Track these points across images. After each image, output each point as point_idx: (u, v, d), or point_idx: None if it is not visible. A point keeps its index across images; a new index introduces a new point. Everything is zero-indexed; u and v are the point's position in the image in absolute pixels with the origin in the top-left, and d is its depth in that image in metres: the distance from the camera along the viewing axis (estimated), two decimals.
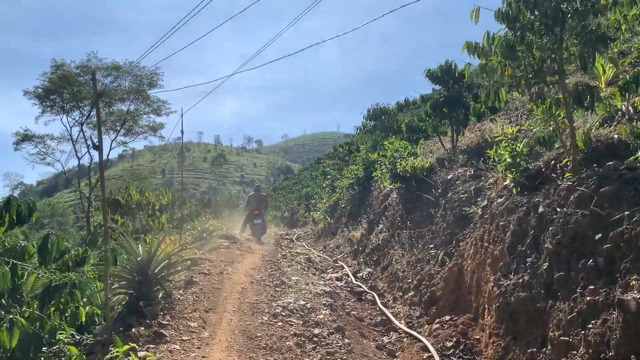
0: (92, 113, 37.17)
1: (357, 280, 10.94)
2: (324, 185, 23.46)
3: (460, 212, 8.62)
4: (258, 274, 10.12)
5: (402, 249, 10.43)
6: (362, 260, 12.78)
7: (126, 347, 4.93)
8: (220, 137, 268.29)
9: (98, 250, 9.61)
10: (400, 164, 11.51)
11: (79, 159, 37.56)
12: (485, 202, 7.81)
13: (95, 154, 37.16)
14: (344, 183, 18.19)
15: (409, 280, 8.87)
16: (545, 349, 4.59)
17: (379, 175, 15.73)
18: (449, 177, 10.14)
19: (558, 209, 5.05)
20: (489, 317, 5.92)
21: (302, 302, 7.89)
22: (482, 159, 9.85)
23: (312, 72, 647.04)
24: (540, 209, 5.39)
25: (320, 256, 14.75)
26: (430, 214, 9.84)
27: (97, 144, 5.63)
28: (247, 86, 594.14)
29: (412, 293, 8.41)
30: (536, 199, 5.64)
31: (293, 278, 9.93)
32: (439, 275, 7.66)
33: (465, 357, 6.01)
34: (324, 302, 8.09)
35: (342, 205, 17.89)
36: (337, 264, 13.19)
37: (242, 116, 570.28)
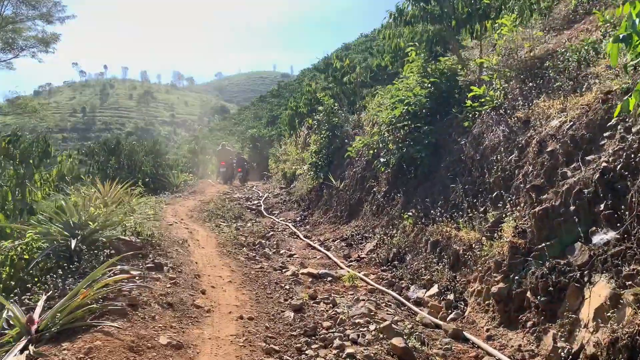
0: None
1: None
2: (314, 122, 14.17)
3: None
4: None
5: None
6: None
7: None
8: (148, 73, 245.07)
9: None
10: None
11: None
12: None
13: None
14: (382, 117, 9.08)
15: None
16: None
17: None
18: None
19: None
20: None
21: None
22: None
23: (248, 8, 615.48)
24: None
25: (391, 311, 5.83)
26: None
27: None
28: (176, 20, 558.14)
29: None
30: None
31: None
32: None
33: None
34: None
35: (384, 160, 8.87)
36: None
37: (172, 53, 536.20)
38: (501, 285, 5.00)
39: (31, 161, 8.37)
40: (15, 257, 5.68)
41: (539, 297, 4.55)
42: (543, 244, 4.82)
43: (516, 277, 4.92)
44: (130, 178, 13.69)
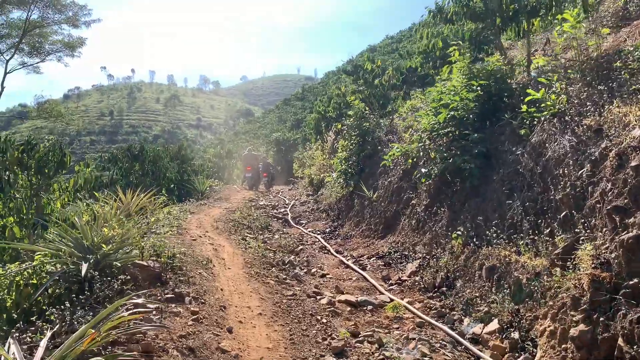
0: None
1: None
2: (344, 127, 13.42)
3: None
4: None
5: None
6: None
7: None
8: (174, 77, 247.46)
9: None
10: None
11: None
12: None
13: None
14: (423, 123, 8.28)
15: None
16: None
17: None
18: None
19: None
20: None
21: None
22: None
23: (273, 12, 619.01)
24: None
25: None
26: None
27: None
28: (203, 24, 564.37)
29: None
30: None
31: None
32: None
33: None
34: None
35: (426, 170, 8.08)
36: None
37: (198, 56, 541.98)
38: (582, 327, 4.19)
39: (47, 171, 7.84)
40: (21, 282, 5.10)
41: (634, 347, 3.74)
42: (636, 280, 4.00)
43: (601, 319, 4.11)
44: (155, 185, 13.21)
